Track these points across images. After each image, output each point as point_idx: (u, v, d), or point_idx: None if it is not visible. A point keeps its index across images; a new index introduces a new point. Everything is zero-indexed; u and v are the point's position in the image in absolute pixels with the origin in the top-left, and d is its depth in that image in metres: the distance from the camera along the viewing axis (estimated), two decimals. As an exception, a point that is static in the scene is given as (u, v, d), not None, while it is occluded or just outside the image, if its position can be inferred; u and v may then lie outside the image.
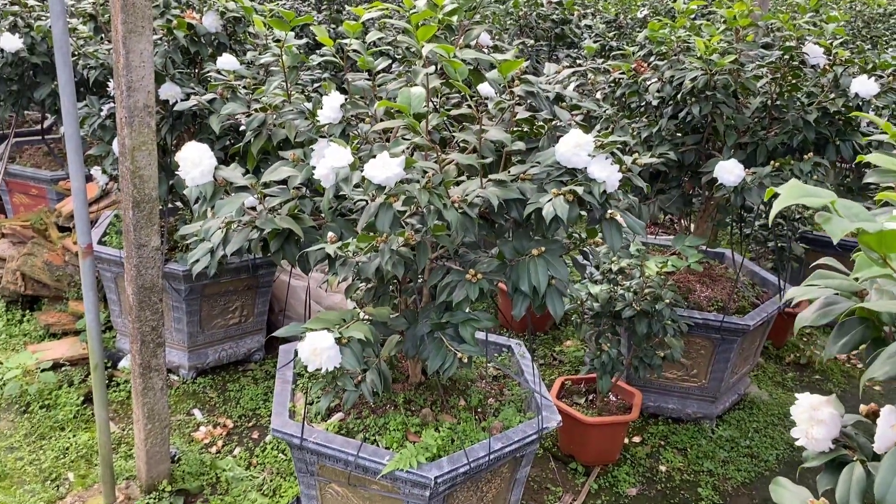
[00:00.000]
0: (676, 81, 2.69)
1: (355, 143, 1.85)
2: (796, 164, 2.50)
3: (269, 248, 1.82)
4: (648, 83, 2.85)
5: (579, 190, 1.53)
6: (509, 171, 1.69)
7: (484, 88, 2.09)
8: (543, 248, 1.69)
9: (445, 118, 1.74)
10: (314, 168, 1.85)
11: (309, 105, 1.87)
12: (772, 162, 2.50)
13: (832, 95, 2.59)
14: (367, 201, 1.59)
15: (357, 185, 1.46)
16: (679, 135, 2.87)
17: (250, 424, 2.98)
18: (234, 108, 1.91)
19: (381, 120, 1.94)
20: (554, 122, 1.89)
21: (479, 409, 2.22)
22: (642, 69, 3.00)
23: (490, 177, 1.68)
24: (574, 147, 1.61)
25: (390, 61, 1.97)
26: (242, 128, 2.04)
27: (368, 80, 1.95)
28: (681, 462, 2.91)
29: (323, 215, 1.94)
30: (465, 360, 1.81)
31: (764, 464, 2.94)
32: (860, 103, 2.51)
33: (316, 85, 2.88)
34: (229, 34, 2.92)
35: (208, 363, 3.27)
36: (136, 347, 2.34)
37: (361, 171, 1.44)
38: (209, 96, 2.05)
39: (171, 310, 3.10)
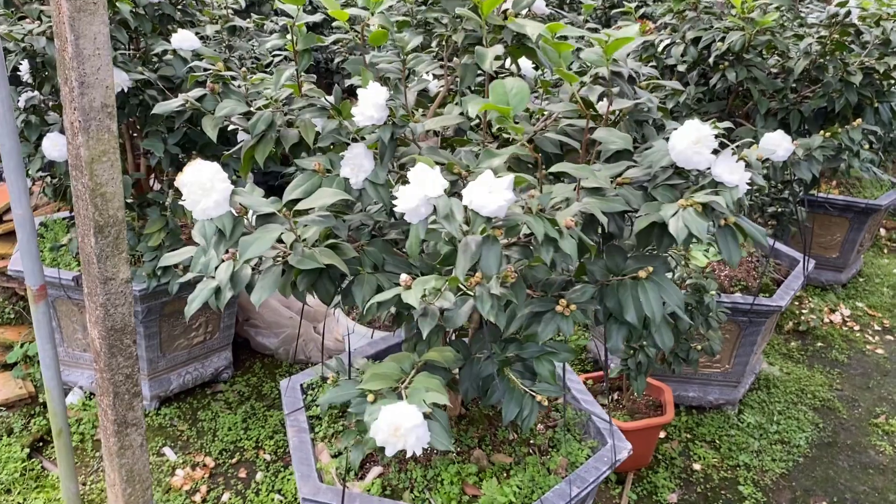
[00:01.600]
0: (704, 43, 2.39)
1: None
2: (844, 133, 2.26)
3: (296, 286, 1.43)
4: (665, 43, 2.54)
5: (720, 201, 1.21)
6: (609, 177, 1.34)
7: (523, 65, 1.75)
8: (651, 269, 1.38)
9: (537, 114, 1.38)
10: (346, 179, 1.46)
11: (331, 99, 1.46)
12: (821, 132, 2.25)
13: (878, 53, 2.35)
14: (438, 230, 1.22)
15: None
16: (703, 103, 2.58)
17: (234, 461, 2.57)
18: (232, 108, 1.47)
19: (416, 112, 1.56)
20: (629, 108, 1.55)
21: (531, 440, 1.92)
22: (649, 31, 2.68)
23: (583, 184, 1.34)
24: (694, 143, 1.29)
25: (421, 37, 1.57)
26: (232, 127, 1.60)
27: (398, 62, 1.55)
28: (714, 458, 2.70)
29: (350, 234, 1.56)
30: (546, 404, 1.50)
31: (797, 449, 2.77)
32: (915, 62, 2.28)
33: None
34: (174, 3, 2.42)
35: (172, 390, 2.82)
36: (108, 401, 1.90)
37: (460, 198, 1.07)
38: (197, 92, 1.60)
39: (125, 334, 2.63)
